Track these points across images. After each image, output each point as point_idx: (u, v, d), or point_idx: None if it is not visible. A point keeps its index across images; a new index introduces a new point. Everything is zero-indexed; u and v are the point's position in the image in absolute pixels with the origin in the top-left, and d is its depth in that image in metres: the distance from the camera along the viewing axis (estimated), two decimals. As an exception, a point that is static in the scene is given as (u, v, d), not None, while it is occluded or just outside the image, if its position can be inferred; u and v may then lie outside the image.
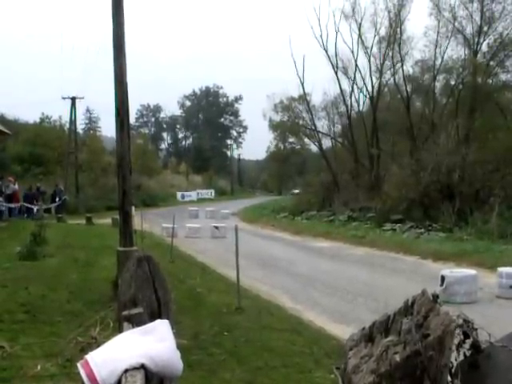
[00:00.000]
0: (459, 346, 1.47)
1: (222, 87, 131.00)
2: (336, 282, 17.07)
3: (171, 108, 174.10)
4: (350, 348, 1.63)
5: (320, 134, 52.86)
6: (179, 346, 2.33)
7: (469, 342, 1.48)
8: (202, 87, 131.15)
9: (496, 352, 1.51)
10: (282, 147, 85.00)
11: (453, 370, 1.47)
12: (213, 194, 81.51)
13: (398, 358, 1.47)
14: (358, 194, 41.94)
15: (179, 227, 28.21)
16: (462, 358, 1.47)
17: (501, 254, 21.44)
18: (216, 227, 31.99)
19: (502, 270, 15.46)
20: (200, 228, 32.00)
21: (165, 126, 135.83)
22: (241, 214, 51.35)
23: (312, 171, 60.25)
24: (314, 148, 61.05)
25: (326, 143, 54.45)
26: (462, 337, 1.49)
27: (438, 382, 1.46)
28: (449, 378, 1.46)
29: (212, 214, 46.47)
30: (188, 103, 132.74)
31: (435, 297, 1.59)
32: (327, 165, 50.03)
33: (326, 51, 46.52)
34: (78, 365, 2.18)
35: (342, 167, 49.66)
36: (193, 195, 75.18)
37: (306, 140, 61.12)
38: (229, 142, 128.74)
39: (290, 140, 77.84)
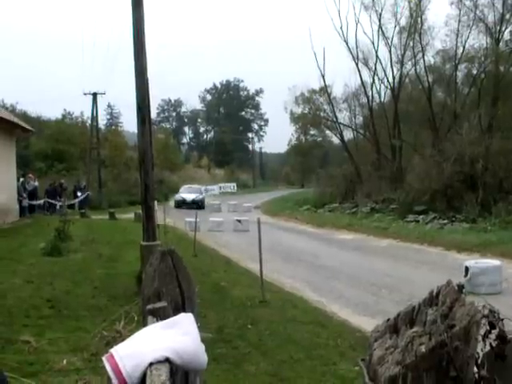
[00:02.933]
0: (485, 336, 1.46)
1: (242, 80, 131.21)
2: (360, 274, 17.03)
3: (192, 102, 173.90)
4: (375, 339, 1.62)
5: (341, 126, 52.82)
6: (204, 340, 2.33)
7: (495, 332, 1.47)
8: (222, 81, 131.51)
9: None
10: (304, 140, 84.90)
11: (479, 361, 1.46)
12: (235, 188, 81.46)
13: (423, 348, 1.46)
14: (381, 186, 41.83)
15: (202, 221, 28.27)
16: (488, 348, 1.46)
17: (526, 244, 21.29)
18: (239, 221, 32.03)
19: (527, 260, 15.35)
20: (223, 222, 32.05)
21: (186, 120, 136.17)
22: (263, 207, 51.40)
23: (334, 163, 60.12)
24: (335, 140, 61.08)
25: (348, 135, 54.42)
26: (487, 327, 1.47)
27: (465, 373, 1.45)
28: (475, 369, 1.45)
29: (234, 207, 46.59)
30: (209, 97, 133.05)
31: (460, 287, 1.57)
32: (349, 156, 49.95)
33: (347, 43, 46.45)
34: (103, 358, 2.19)
35: (364, 159, 49.54)
36: (215, 189, 75.25)
37: (328, 132, 61.14)
38: (250, 135, 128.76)
39: (312, 132, 77.83)
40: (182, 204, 49.46)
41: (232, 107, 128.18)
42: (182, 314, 2.41)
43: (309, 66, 56.52)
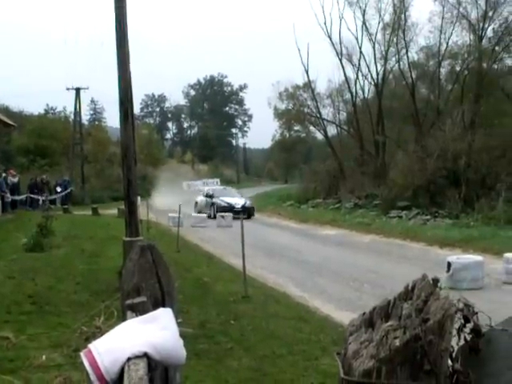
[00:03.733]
0: (460, 330, 1.46)
1: (226, 76, 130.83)
2: (342, 270, 17.07)
3: (176, 97, 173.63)
4: (351, 333, 1.63)
5: (325, 122, 52.88)
6: (185, 335, 2.32)
7: (469, 326, 1.47)
8: (206, 76, 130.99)
9: (496, 336, 1.50)
10: (288, 135, 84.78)
11: (453, 355, 1.46)
12: (219, 183, 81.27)
13: (397, 342, 1.46)
14: (364, 182, 41.95)
15: (185, 217, 28.24)
16: (462, 342, 1.46)
17: (507, 239, 21.40)
18: (222, 216, 32.03)
19: (509, 255, 15.42)
20: (206, 217, 32.04)
21: (170, 115, 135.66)
22: (247, 203, 51.33)
23: (318, 159, 60.17)
24: (319, 136, 60.99)
25: (332, 131, 54.44)
26: (462, 321, 1.48)
27: (438, 367, 1.46)
28: (449, 363, 1.45)
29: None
30: (193, 92, 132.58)
31: (435, 281, 1.58)
32: (333, 152, 50.02)
33: (330, 38, 46.49)
34: (82, 354, 2.18)
35: (348, 155, 49.69)
36: (199, 184, 75.02)
37: (312, 128, 61.05)
38: (234, 130, 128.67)
39: (296, 128, 77.62)
40: (226, 211, 35.67)
41: (216, 103, 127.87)
42: (161, 309, 2.40)
43: (293, 61, 56.97)
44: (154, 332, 2.22)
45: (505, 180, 30.09)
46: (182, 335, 2.33)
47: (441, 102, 42.55)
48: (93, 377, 2.12)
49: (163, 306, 2.69)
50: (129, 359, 2.07)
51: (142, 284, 2.81)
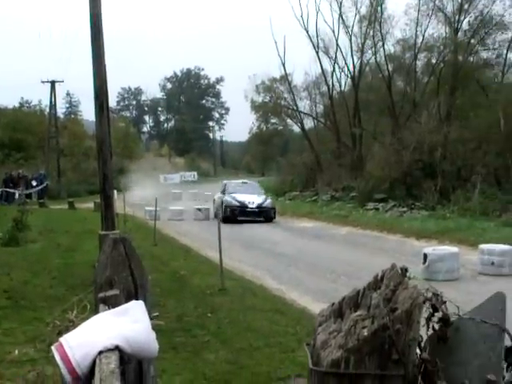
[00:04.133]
0: (428, 319, 1.46)
1: (203, 69, 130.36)
2: (319, 262, 17.10)
3: (152, 90, 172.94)
4: (320, 324, 1.62)
5: (302, 115, 52.99)
6: (161, 328, 2.31)
7: (438, 315, 1.48)
8: (183, 69, 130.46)
9: (464, 325, 1.50)
10: (265, 128, 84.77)
11: (422, 344, 1.47)
12: (196, 177, 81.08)
13: (365, 332, 1.46)
14: (341, 174, 42.08)
15: (162, 210, 28.16)
16: (431, 331, 1.46)
17: (483, 231, 21.59)
18: (199, 209, 31.97)
19: (484, 246, 15.56)
20: (183, 210, 31.97)
21: (146, 108, 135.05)
22: (224, 196, 51.26)
23: (295, 152, 60.23)
24: (296, 129, 61.11)
25: (308, 123, 54.54)
26: (431, 310, 1.48)
27: (406, 356, 1.46)
28: (418, 351, 1.45)
29: (195, 196, 46.35)
30: (169, 85, 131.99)
31: (404, 270, 1.58)
32: (309, 145, 50.08)
33: (307, 31, 46.51)
34: (53, 348, 2.17)
35: (325, 147, 49.74)
36: (176, 178, 74.79)
37: (289, 121, 61.10)
38: (211, 123, 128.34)
39: (273, 121, 77.67)
40: (237, 213, 29.58)
41: (193, 95, 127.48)
42: (133, 302, 2.39)
43: (269, 54, 56.69)
44: (126, 325, 2.21)
45: (480, 172, 30.34)
46: (157, 328, 2.32)
47: (417, 95, 42.78)
48: (64, 371, 2.11)
49: (136, 298, 2.67)
50: (100, 352, 2.05)
51: (115, 277, 2.80)
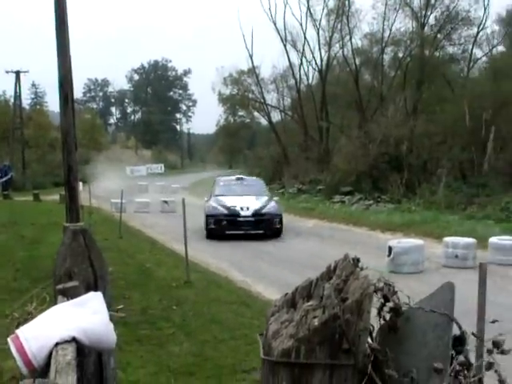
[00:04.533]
0: (380, 309, 1.47)
1: (170, 61, 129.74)
2: (285, 254, 17.17)
3: (119, 82, 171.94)
4: (272, 314, 1.63)
5: (269, 107, 53.02)
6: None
7: (389, 305, 1.49)
8: (150, 61, 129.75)
9: (414, 315, 1.52)
10: (232, 121, 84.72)
11: (373, 334, 1.48)
12: (163, 169, 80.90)
13: (316, 322, 1.47)
14: (308, 167, 42.21)
15: (128, 202, 28.02)
16: (383, 321, 1.47)
17: (447, 224, 21.83)
18: (165, 201, 31.86)
19: (448, 239, 15.75)
20: (149, 203, 31.83)
21: (113, 100, 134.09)
22: (191, 189, 51.09)
23: (262, 145, 60.31)
24: (263, 121, 61.14)
25: (276, 116, 54.66)
26: (382, 300, 1.49)
27: (357, 346, 1.47)
28: (370, 341, 1.46)
29: (162, 188, 46.19)
30: (136, 77, 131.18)
31: (355, 260, 1.59)
32: (277, 138, 50.17)
33: (275, 24, 46.56)
34: (9, 340, 2.14)
35: (292, 140, 49.88)
36: (142, 170, 74.49)
37: (256, 113, 61.13)
38: (178, 116, 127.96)
39: (240, 113, 77.65)
40: (225, 225, 21.09)
41: (160, 87, 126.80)
42: (91, 293, 2.38)
43: (238, 46, 56.60)
44: (83, 316, 2.20)
45: (445, 165, 30.65)
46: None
47: (384, 88, 43.07)
48: (20, 363, 2.09)
49: (96, 290, 2.66)
50: (57, 344, 2.04)
51: (74, 268, 2.78)
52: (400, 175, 31.54)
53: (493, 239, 15.79)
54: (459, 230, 19.51)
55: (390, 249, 14.67)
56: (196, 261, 15.19)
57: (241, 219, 21.04)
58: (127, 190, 26.00)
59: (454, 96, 39.16)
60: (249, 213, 21.10)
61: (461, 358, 1.50)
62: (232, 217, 21.07)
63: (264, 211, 21.30)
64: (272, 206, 21.71)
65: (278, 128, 51.76)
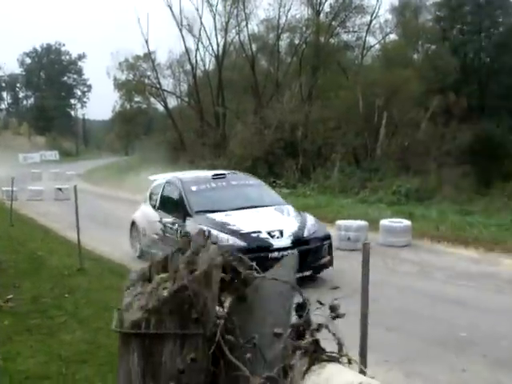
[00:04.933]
0: (231, 281, 1.52)
1: (64, 44, 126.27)
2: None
3: (10, 66, 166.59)
4: (127, 288, 1.65)
5: (165, 93, 52.62)
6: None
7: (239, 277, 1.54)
8: (42, 44, 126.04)
9: (262, 284, 1.58)
10: (128, 107, 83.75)
11: (226, 303, 1.53)
12: (57, 156, 79.20)
13: (165, 293, 1.50)
14: (204, 153, 42.22)
15: (20, 190, 27.32)
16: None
17: (341, 207, 22.36)
18: (60, 189, 31.27)
19: (341, 222, 16.15)
20: (43, 190, 31.14)
21: (4, 84, 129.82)
22: (85, 176, 50.30)
23: (158, 131, 59.91)
24: (160, 107, 60.64)
25: (172, 102, 54.33)
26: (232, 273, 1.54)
27: (206, 315, 1.51)
28: (220, 310, 1.51)
29: (56, 175, 45.30)
30: (28, 61, 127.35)
31: (207, 234, 1.63)
32: (173, 124, 49.95)
33: (171, 8, 46.22)
34: None
35: (188, 126, 49.72)
36: (36, 157, 72.67)
37: (152, 99, 60.58)
38: (73, 101, 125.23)
39: (137, 99, 76.82)
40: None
41: (53, 72, 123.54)
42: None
43: (133, 31, 55.89)
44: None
45: (339, 151, 31.37)
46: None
47: (280, 75, 43.54)
48: None
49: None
50: None
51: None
52: (295, 160, 32.06)
53: (384, 221, 16.28)
54: (352, 213, 20.01)
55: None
56: (90, 248, 15.01)
57: (275, 254, 10.99)
58: (20, 177, 25.38)
59: (349, 83, 40.05)
60: (286, 241, 11.46)
61: (298, 321, 1.57)
62: (258, 252, 10.63)
63: (306, 235, 11.86)
64: (312, 225, 12.35)
65: (174, 114, 51.49)
